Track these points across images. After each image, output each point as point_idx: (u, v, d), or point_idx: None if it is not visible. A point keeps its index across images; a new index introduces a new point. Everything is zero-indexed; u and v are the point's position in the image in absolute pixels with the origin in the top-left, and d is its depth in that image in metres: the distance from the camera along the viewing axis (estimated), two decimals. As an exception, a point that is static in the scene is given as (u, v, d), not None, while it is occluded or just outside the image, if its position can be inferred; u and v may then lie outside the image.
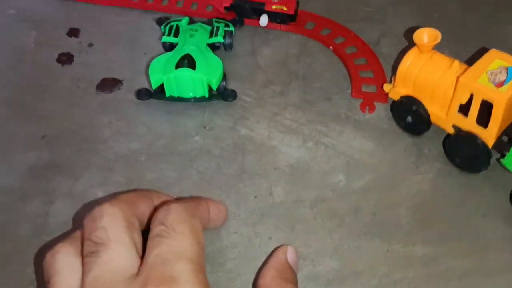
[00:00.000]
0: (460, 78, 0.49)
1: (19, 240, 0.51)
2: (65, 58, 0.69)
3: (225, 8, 0.72)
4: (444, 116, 0.53)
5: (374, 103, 0.62)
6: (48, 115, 0.62)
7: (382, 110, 0.61)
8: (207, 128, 0.60)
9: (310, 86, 0.65)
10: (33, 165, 0.57)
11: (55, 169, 0.56)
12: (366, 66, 0.66)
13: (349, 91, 0.64)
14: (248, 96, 0.64)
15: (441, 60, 0.54)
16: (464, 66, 0.53)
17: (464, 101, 0.50)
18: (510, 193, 0.51)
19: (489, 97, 0.47)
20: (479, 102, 0.48)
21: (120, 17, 0.75)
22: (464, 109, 0.51)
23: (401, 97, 0.57)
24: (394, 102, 0.59)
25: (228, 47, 0.67)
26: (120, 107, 0.63)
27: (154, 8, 0.75)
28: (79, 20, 0.74)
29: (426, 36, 0.54)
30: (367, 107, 0.61)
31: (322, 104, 0.62)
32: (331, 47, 0.69)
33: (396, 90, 0.58)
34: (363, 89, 0.63)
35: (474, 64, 0.50)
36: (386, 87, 0.60)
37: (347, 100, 0.63)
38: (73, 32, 0.73)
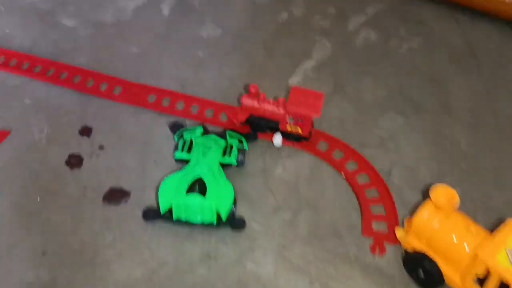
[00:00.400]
0: (479, 253, 0.48)
1: None
2: (75, 161, 0.68)
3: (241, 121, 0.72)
4: (459, 281, 0.52)
5: (385, 243, 0.61)
6: (51, 227, 0.61)
7: (392, 252, 0.60)
8: (212, 257, 0.59)
9: (320, 217, 0.64)
10: (31, 286, 0.55)
11: (52, 296, 0.54)
12: (377, 200, 0.65)
13: (360, 227, 0.63)
14: (257, 223, 0.62)
15: (458, 222, 0.53)
16: (482, 231, 0.52)
17: (481, 274, 0.49)
18: None
19: (508, 280, 0.46)
20: (497, 280, 0.47)
21: (134, 118, 0.75)
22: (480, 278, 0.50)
23: (414, 251, 0.56)
24: (406, 252, 0.58)
25: (240, 164, 0.67)
26: (125, 224, 0.61)
27: (168, 111, 0.75)
28: (93, 117, 0.74)
29: (443, 196, 0.53)
30: (377, 248, 0.60)
31: (331, 240, 0.61)
32: (343, 174, 0.68)
33: (409, 241, 0.57)
34: (374, 226, 0.62)
35: (493, 236, 0.50)
36: (399, 233, 0.59)
37: (357, 238, 0.62)
38: (86, 131, 0.72)
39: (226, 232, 0.61)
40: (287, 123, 0.69)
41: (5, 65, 0.81)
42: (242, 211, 0.63)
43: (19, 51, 0.83)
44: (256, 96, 0.70)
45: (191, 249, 0.59)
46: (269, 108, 0.70)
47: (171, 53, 0.85)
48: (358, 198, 0.66)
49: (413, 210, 0.64)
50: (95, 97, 0.77)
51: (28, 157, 0.69)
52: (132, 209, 0.63)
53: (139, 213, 0.62)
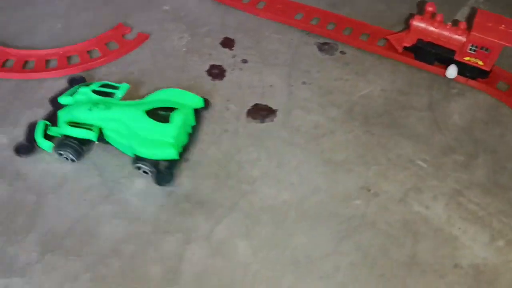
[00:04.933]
0: None
1: (147, 281, 0.44)
2: (217, 72, 0.62)
3: (404, 47, 0.62)
4: None
5: None
6: (195, 136, 0.56)
7: None
8: (372, 192, 0.50)
9: (502, 165, 0.53)
10: (172, 192, 0.50)
11: (196, 203, 0.49)
12: None
13: (554, 183, 0.51)
14: (424, 162, 0.53)
15: None
16: None
17: None
18: None
19: None
20: None
21: (279, 35, 0.67)
22: None
23: None
24: None
25: None
26: (271, 143, 0.55)
27: (318, 31, 0.67)
28: (234, 29, 0.68)
29: None
30: None
31: (518, 193, 0.50)
32: (531, 120, 0.56)
33: None
34: None
35: None
36: None
37: (551, 195, 0.50)
38: (227, 43, 0.66)
39: (388, 166, 0.52)
40: (465, 52, 0.58)
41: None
42: (404, 145, 0.53)
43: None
44: (431, 17, 0.58)
45: (346, 179, 0.51)
46: (446, 33, 0.58)
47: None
48: (552, 150, 0.53)
49: None
50: (235, 9, 0.70)
51: (168, 62, 0.64)
52: (278, 129, 0.56)
53: (285, 135, 0.55)
